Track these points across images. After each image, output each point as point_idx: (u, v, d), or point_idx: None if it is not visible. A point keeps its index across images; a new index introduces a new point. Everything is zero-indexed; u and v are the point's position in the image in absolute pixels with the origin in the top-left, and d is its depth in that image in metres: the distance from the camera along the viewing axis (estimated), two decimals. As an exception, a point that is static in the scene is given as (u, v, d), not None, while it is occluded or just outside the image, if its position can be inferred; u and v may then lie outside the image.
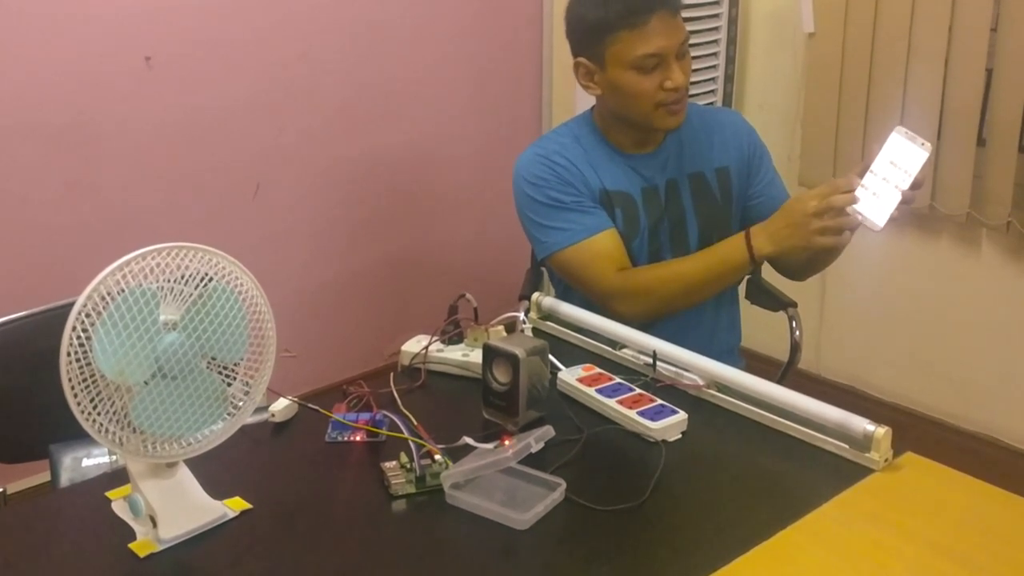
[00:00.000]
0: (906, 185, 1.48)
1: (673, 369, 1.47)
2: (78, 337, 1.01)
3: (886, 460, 1.23)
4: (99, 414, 1.04)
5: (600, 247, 1.74)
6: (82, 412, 1.03)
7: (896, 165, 1.49)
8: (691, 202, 1.83)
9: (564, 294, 1.87)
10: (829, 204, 1.53)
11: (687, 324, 1.80)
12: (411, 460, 1.22)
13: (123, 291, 1.02)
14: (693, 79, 2.88)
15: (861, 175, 1.52)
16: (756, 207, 1.86)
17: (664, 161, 1.83)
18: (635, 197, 1.80)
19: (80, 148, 2.46)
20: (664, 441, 1.29)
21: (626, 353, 1.55)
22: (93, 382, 1.03)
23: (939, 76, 2.54)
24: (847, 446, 1.26)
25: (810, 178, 2.85)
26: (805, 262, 1.80)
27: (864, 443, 1.24)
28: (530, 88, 3.33)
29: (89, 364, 1.01)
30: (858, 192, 1.51)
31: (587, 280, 1.75)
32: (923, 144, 1.47)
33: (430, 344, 1.52)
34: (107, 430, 1.05)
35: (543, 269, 1.97)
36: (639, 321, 1.64)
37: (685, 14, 2.80)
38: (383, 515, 1.18)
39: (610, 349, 1.58)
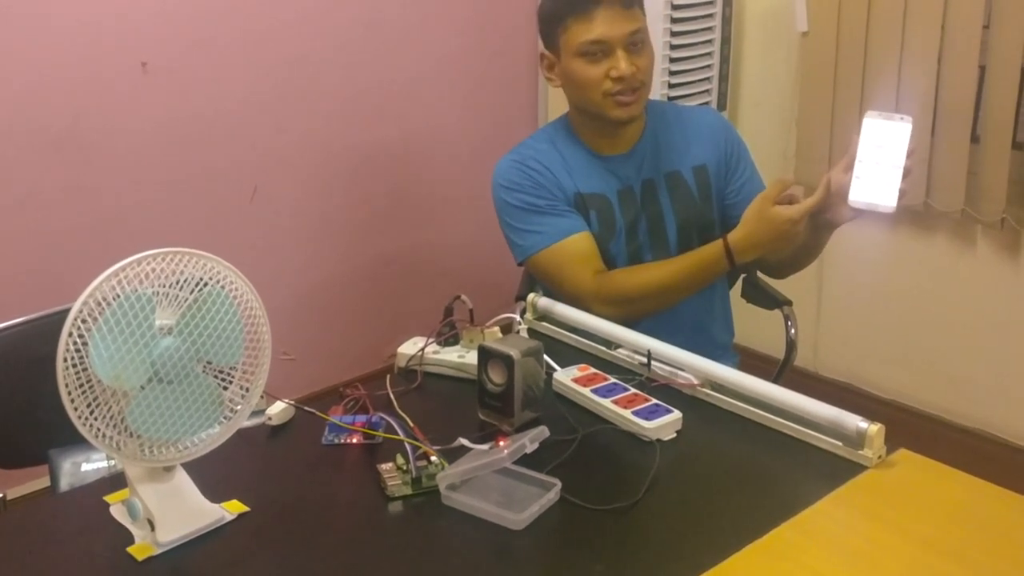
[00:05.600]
0: (902, 160, 1.47)
1: (668, 368, 1.48)
2: (74, 343, 1.01)
3: (879, 457, 1.24)
4: (96, 419, 1.05)
5: (575, 249, 1.77)
6: (79, 417, 1.04)
7: (883, 146, 1.47)
8: (669, 201, 1.84)
9: (549, 293, 1.87)
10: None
11: (680, 321, 1.81)
12: (407, 462, 1.22)
13: (119, 296, 1.03)
14: (688, 79, 2.88)
15: (848, 168, 1.52)
16: (734, 206, 1.86)
17: (640, 161, 1.84)
18: (611, 199, 1.82)
19: (77, 153, 2.46)
20: (659, 440, 1.30)
21: (621, 353, 1.56)
22: (90, 387, 1.03)
23: (932, 73, 2.54)
24: (840, 443, 1.26)
25: (805, 176, 2.85)
26: (786, 262, 1.82)
27: (857, 440, 1.24)
28: (526, 88, 3.34)
29: (86, 370, 1.02)
30: (853, 182, 1.50)
31: (563, 282, 1.77)
32: (902, 118, 1.46)
33: (426, 346, 1.53)
34: (104, 435, 1.06)
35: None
36: (616, 323, 1.65)
37: (679, 14, 2.85)
38: (380, 517, 1.18)
39: (605, 349, 1.59)
